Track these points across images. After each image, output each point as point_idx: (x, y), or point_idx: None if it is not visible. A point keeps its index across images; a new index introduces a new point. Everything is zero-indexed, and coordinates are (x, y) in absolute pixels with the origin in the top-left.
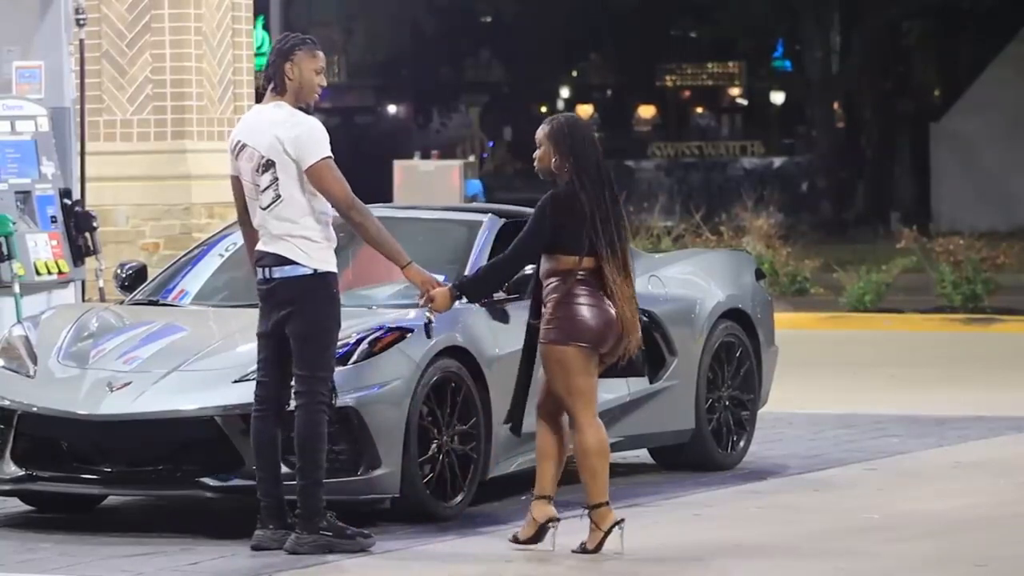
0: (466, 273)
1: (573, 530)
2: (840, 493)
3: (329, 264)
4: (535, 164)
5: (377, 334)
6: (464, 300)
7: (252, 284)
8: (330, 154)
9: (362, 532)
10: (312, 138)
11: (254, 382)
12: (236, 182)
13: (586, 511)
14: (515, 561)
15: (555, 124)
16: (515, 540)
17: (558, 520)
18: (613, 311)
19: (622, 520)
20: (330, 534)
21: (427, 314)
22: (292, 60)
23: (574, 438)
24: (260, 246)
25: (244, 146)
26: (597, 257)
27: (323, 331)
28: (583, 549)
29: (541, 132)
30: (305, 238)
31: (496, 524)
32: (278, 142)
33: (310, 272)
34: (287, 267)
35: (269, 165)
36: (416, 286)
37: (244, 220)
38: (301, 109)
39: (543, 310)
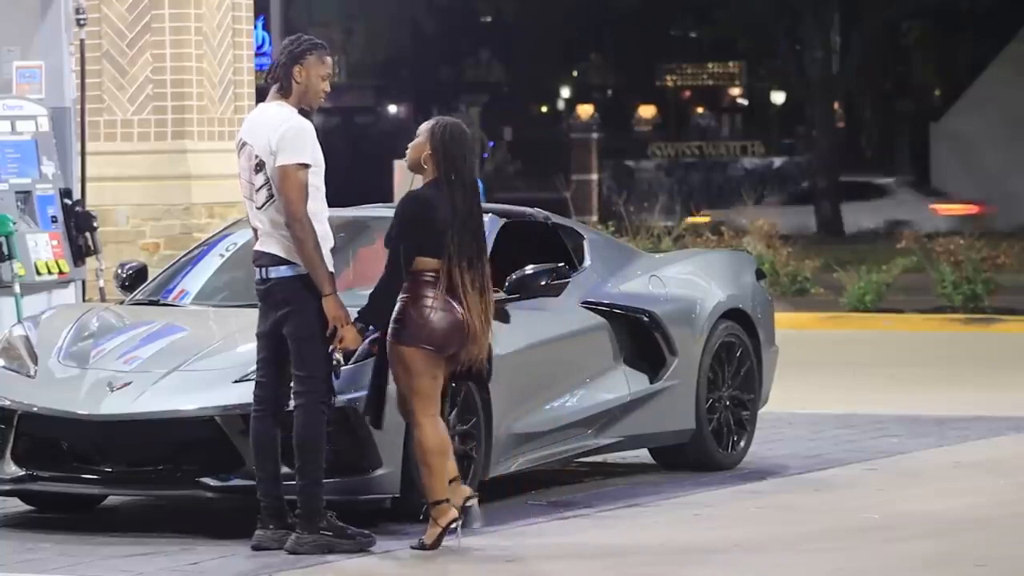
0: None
1: (577, 529)
2: (840, 493)
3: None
4: (407, 152)
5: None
6: (370, 328)
7: (252, 284)
8: (305, 161)
9: (363, 532)
10: (294, 140)
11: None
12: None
13: (425, 507)
14: (515, 561)
15: (439, 124)
16: (421, 546)
17: (459, 520)
18: (461, 316)
19: (460, 518)
20: (330, 534)
21: (336, 355)
22: (302, 63)
23: (413, 438)
24: (256, 246)
25: (244, 144)
26: (450, 263)
27: (320, 330)
28: (421, 545)
29: (425, 126)
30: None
31: (496, 524)
32: (268, 143)
33: (306, 272)
34: (283, 267)
35: (262, 166)
36: (332, 319)
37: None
38: (302, 112)
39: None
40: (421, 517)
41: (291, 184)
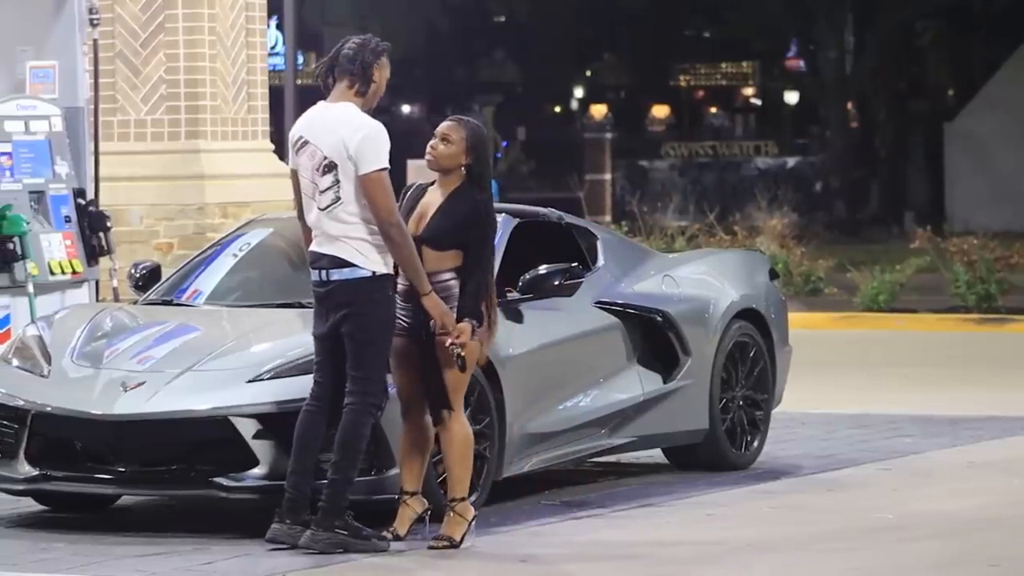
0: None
1: (591, 529)
2: (854, 493)
3: (386, 266)
4: (435, 156)
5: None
6: (476, 323)
7: (266, 284)
8: (387, 165)
9: (378, 534)
10: (375, 145)
11: (269, 382)
12: (295, 176)
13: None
14: (529, 561)
15: (471, 127)
16: (396, 536)
17: (429, 510)
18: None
19: (430, 508)
20: (345, 533)
21: (459, 352)
22: (379, 63)
23: (448, 430)
24: (315, 247)
25: (306, 143)
26: (482, 259)
27: (381, 334)
28: (451, 543)
29: (457, 132)
30: (363, 240)
31: (510, 524)
32: (343, 145)
33: (368, 274)
34: (345, 269)
35: (332, 167)
36: (437, 318)
37: (302, 215)
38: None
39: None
40: (427, 518)
41: (381, 190)
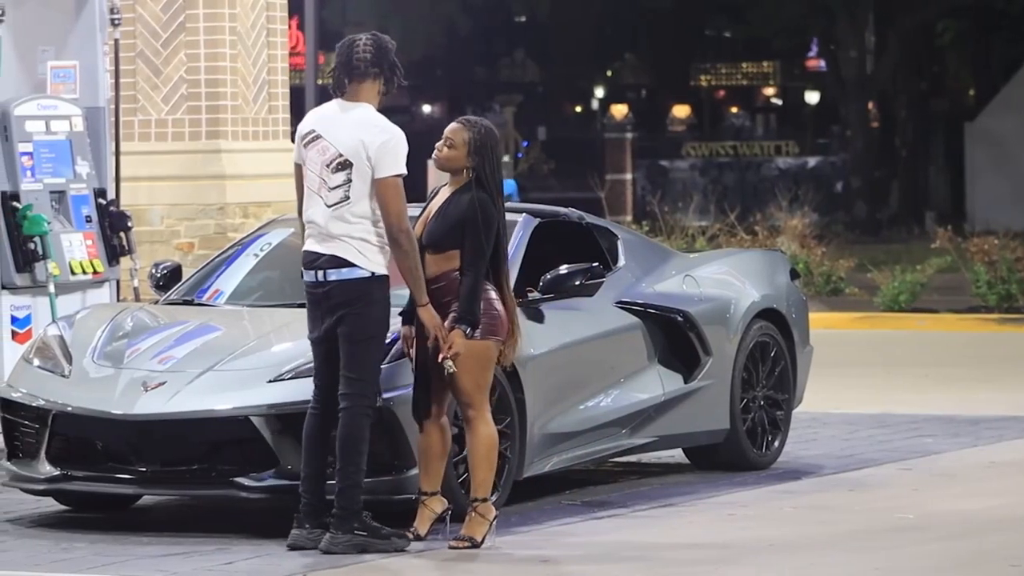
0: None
1: (612, 529)
2: (875, 493)
3: (384, 267)
4: (441, 158)
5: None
6: (469, 330)
7: (286, 283)
8: (405, 172)
9: (398, 532)
10: (395, 150)
11: (290, 381)
12: (300, 170)
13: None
14: (550, 562)
15: (477, 127)
16: (416, 536)
17: (450, 510)
18: (508, 307)
19: (450, 508)
20: (365, 534)
21: (450, 366)
22: (397, 66)
23: (474, 430)
24: (311, 246)
25: (318, 137)
26: (496, 256)
27: (377, 334)
28: (472, 543)
29: (462, 131)
30: (364, 240)
31: (531, 524)
32: (363, 146)
33: (367, 275)
34: (344, 269)
35: (346, 165)
36: (432, 329)
37: (301, 210)
38: None
39: (447, 307)
40: (447, 518)
41: (396, 195)
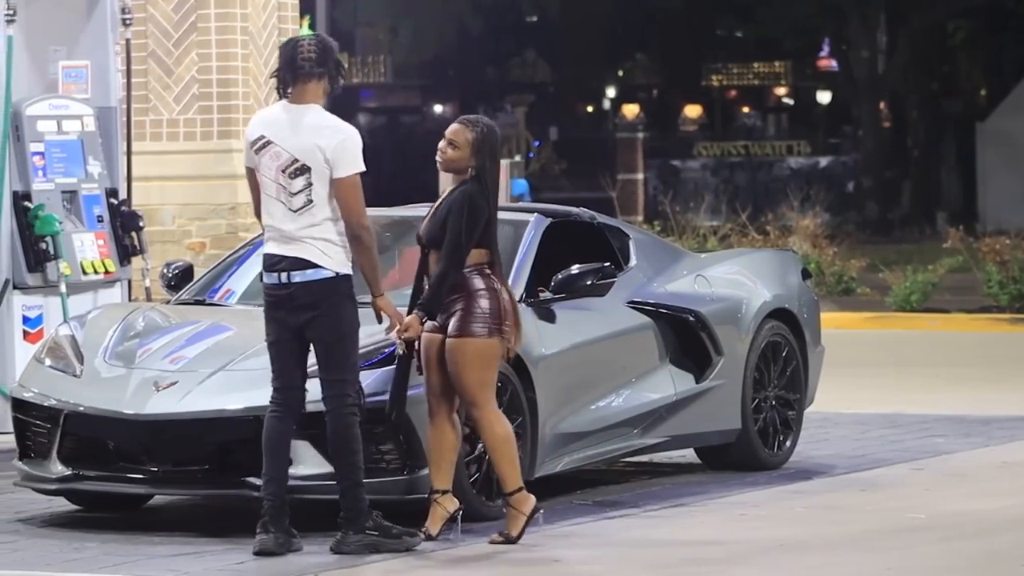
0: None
1: (623, 529)
2: (886, 493)
3: (348, 266)
4: (445, 160)
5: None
6: (426, 319)
7: None
8: (363, 168)
9: (408, 531)
10: (352, 150)
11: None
12: (252, 174)
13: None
14: (561, 560)
15: (479, 126)
16: (428, 536)
17: (461, 509)
18: (511, 302)
19: (540, 507)
20: (376, 534)
21: (400, 346)
22: (341, 65)
23: (485, 429)
24: (272, 249)
25: (268, 143)
26: (493, 255)
27: (350, 333)
28: (507, 539)
29: (463, 136)
30: (326, 240)
31: (542, 524)
32: (319, 150)
33: (332, 275)
34: (308, 271)
35: (303, 170)
36: (390, 316)
37: (259, 214)
38: None
39: (451, 305)
40: (459, 517)
41: (357, 194)
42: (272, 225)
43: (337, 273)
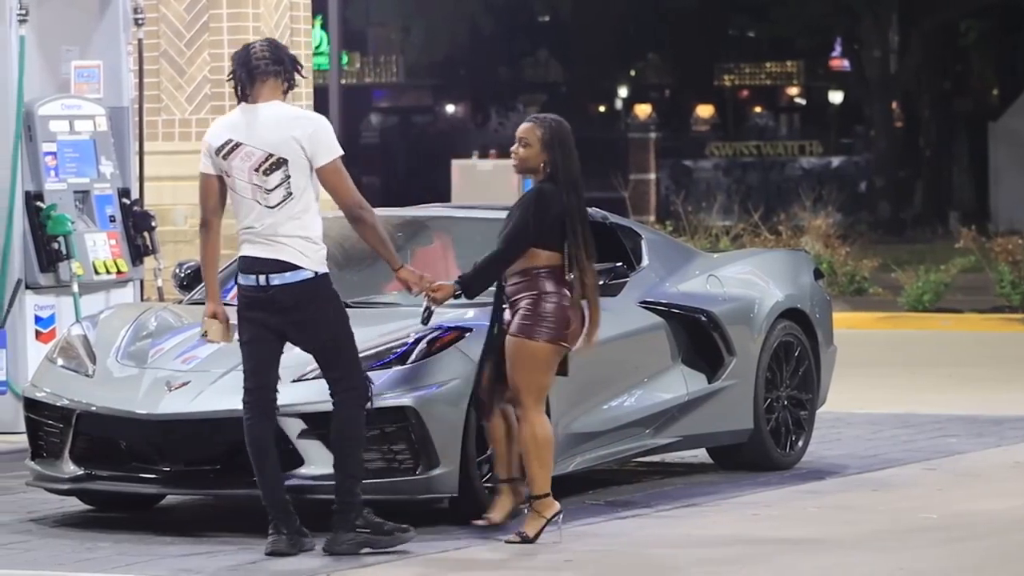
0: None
1: (635, 529)
2: (899, 493)
3: (324, 265)
4: (518, 160)
5: (436, 333)
6: (461, 296)
7: None
8: (342, 151)
9: (400, 527)
10: (327, 136)
11: (313, 381)
12: (214, 182)
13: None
14: (573, 560)
15: (548, 124)
16: (489, 522)
17: (526, 505)
18: (581, 311)
19: (561, 511)
20: (367, 531)
21: (428, 304)
22: (297, 61)
23: (521, 430)
24: (249, 252)
25: (238, 145)
26: (571, 259)
27: (341, 329)
28: (524, 538)
29: (533, 133)
30: (303, 238)
31: (560, 526)
32: (294, 140)
33: (311, 275)
34: (287, 273)
35: (280, 164)
36: (415, 283)
37: (211, 223)
38: None
39: (518, 303)
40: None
41: (343, 177)
42: (249, 227)
43: (316, 273)
